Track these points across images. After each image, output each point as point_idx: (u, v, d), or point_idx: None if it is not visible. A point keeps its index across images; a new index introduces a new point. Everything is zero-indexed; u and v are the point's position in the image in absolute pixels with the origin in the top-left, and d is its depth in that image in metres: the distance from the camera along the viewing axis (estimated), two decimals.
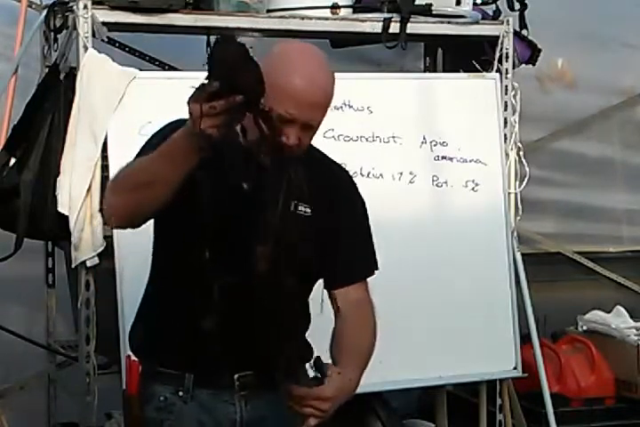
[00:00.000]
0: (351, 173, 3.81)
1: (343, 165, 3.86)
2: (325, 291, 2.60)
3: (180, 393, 2.50)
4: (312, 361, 2.44)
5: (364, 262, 2.63)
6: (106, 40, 3.69)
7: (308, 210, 2.49)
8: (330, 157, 2.69)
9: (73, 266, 3.64)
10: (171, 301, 2.51)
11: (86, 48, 3.59)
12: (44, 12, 3.88)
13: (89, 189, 3.58)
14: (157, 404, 2.51)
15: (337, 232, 2.55)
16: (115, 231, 3.52)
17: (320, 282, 2.60)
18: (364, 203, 2.66)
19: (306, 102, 2.37)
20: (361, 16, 4.03)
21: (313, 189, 2.48)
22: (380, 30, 3.99)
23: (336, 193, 2.59)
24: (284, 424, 2.52)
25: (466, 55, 4.30)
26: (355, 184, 2.70)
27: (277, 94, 2.30)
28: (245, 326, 2.45)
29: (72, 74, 3.70)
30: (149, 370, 2.52)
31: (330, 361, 2.46)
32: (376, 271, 2.65)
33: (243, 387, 2.51)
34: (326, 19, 3.96)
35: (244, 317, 2.45)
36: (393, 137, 3.96)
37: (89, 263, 3.60)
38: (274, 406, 2.53)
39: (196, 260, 2.40)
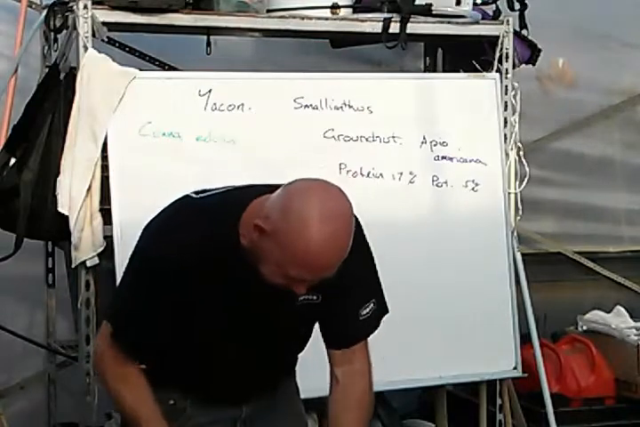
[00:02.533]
0: (351, 174, 3.89)
1: (342, 166, 3.92)
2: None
3: (189, 400, 2.56)
4: None
5: (366, 322, 2.59)
6: (106, 40, 3.68)
7: (315, 297, 2.45)
8: None
9: (73, 266, 3.64)
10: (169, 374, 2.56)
11: (86, 48, 3.59)
12: (44, 12, 3.88)
13: (89, 189, 3.58)
14: (166, 407, 2.54)
15: (343, 299, 2.52)
16: (115, 231, 3.53)
17: None
18: (366, 247, 2.56)
19: (322, 269, 2.25)
20: (361, 16, 4.03)
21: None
22: (379, 30, 3.99)
23: (344, 266, 2.36)
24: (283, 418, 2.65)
25: (466, 55, 4.30)
26: (357, 234, 2.44)
27: (291, 258, 2.21)
28: (249, 376, 2.55)
29: (72, 74, 3.69)
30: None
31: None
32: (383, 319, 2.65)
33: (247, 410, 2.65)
34: (326, 19, 3.95)
35: (244, 380, 2.56)
36: (393, 137, 3.96)
37: (89, 263, 3.60)
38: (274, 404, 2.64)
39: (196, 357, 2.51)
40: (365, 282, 2.56)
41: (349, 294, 2.51)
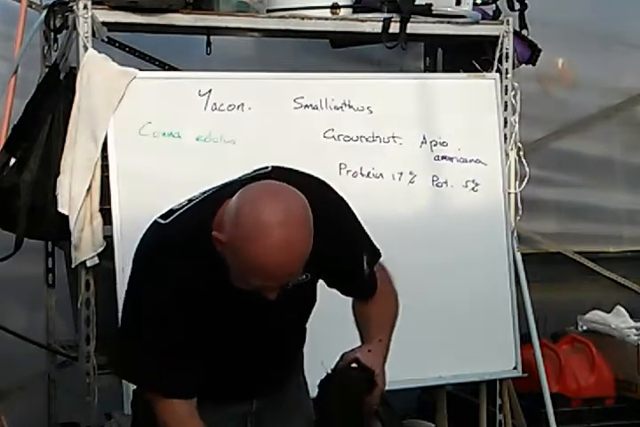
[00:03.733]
0: (351, 174, 3.88)
1: (342, 166, 3.91)
2: None
3: (200, 398, 2.54)
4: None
5: (369, 271, 2.60)
6: (106, 40, 3.69)
7: (304, 276, 2.43)
8: (310, 192, 2.36)
9: (73, 266, 3.64)
10: None
11: (86, 48, 3.59)
12: (44, 12, 3.88)
13: (89, 189, 3.58)
14: None
15: (345, 269, 2.54)
16: (115, 231, 3.53)
17: None
18: (344, 204, 2.55)
19: (280, 276, 2.24)
20: (361, 16, 4.03)
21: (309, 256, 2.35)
22: (379, 30, 3.99)
23: (321, 231, 2.34)
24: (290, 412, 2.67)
25: (466, 55, 4.30)
26: (341, 211, 2.53)
27: (248, 267, 2.21)
28: (254, 377, 2.56)
29: (72, 74, 3.69)
30: None
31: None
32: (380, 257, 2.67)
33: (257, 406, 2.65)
34: (326, 19, 3.95)
35: (253, 374, 2.56)
36: (393, 137, 3.96)
37: (89, 263, 3.61)
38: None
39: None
40: (360, 246, 2.57)
41: (344, 260, 2.52)
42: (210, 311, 2.40)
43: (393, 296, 2.67)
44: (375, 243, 2.64)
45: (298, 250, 2.21)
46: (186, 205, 2.43)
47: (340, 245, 2.48)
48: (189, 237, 2.35)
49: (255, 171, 2.45)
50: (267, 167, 2.44)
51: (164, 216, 2.43)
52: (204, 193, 2.44)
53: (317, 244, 2.28)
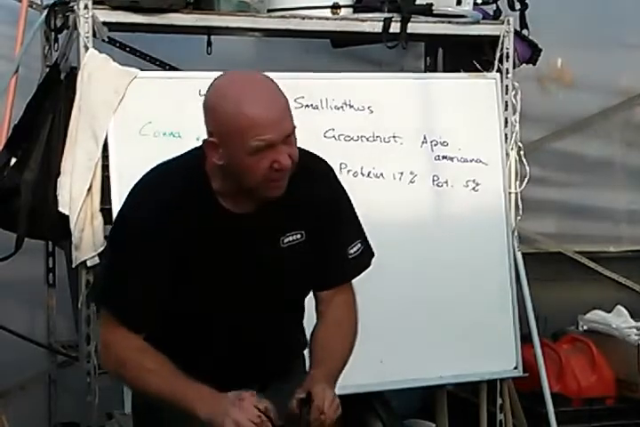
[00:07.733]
0: (352, 173, 3.89)
1: (343, 166, 3.91)
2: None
3: None
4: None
5: (355, 260, 2.61)
6: (106, 40, 3.69)
7: (299, 235, 2.49)
8: (303, 152, 2.51)
9: (73, 266, 3.64)
10: (174, 350, 2.51)
11: (87, 48, 3.60)
12: (45, 12, 3.88)
13: (89, 189, 3.58)
14: None
15: (328, 238, 2.55)
16: None
17: None
18: (344, 191, 2.62)
19: (276, 117, 2.36)
20: (361, 16, 4.03)
21: (299, 209, 2.46)
22: (380, 30, 3.99)
23: (319, 199, 2.53)
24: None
25: (466, 55, 4.31)
26: (332, 177, 2.63)
27: (244, 131, 2.32)
28: (250, 353, 2.54)
29: (73, 74, 3.70)
30: None
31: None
32: (372, 260, 2.66)
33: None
34: (326, 18, 3.96)
35: (249, 348, 2.54)
36: (393, 137, 3.96)
37: (89, 263, 3.61)
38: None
39: (197, 318, 2.49)
40: (349, 222, 2.61)
41: (335, 231, 2.55)
42: (196, 250, 2.42)
43: (353, 325, 2.62)
44: (371, 244, 2.66)
45: (280, 97, 2.40)
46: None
47: (337, 218, 2.55)
48: (187, 170, 2.46)
49: None
50: None
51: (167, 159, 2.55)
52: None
53: (314, 205, 2.46)
